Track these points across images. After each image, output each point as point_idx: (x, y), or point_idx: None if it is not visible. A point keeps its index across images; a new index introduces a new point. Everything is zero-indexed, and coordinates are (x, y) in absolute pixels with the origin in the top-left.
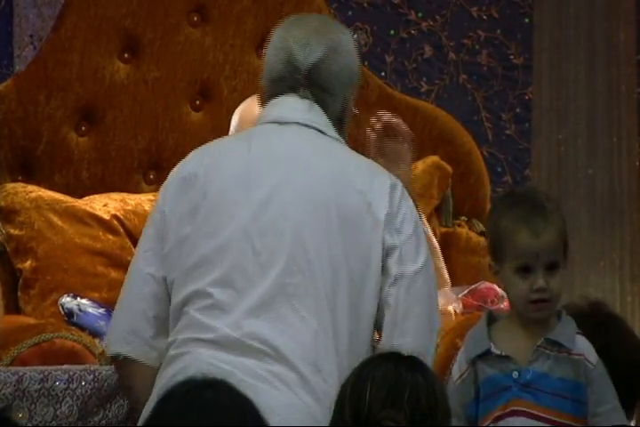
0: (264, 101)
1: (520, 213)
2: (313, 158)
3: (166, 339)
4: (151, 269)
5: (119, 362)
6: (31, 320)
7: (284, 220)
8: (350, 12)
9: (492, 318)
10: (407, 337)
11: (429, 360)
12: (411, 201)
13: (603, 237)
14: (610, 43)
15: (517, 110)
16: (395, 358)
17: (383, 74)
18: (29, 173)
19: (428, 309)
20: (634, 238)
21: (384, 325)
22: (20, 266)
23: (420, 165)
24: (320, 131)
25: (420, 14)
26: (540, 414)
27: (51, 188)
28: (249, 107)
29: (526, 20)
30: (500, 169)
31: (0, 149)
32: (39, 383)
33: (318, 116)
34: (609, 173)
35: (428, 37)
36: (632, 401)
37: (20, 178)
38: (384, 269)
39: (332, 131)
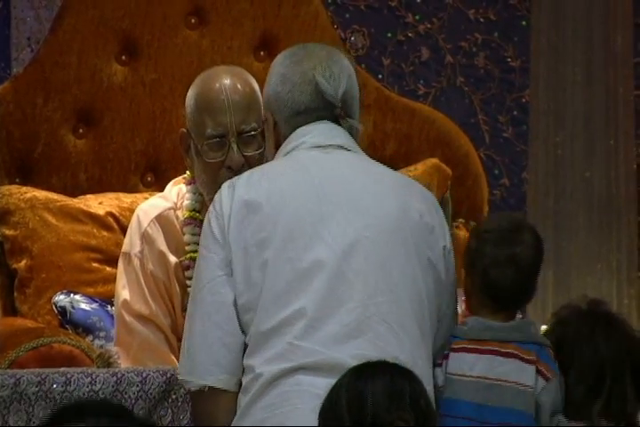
0: (282, 135)
1: None
2: (370, 180)
3: (241, 362)
4: (222, 297)
5: (202, 393)
6: (29, 323)
7: (365, 243)
8: (347, 15)
9: None
10: None
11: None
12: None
13: (600, 240)
14: (607, 45)
15: (514, 113)
16: (387, 367)
17: (380, 76)
18: (27, 176)
19: None
20: (631, 241)
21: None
22: (15, 266)
23: (420, 167)
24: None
25: (417, 17)
26: None
27: (48, 190)
28: (202, 91)
29: (523, 23)
30: (497, 171)
31: None
32: (36, 386)
33: (351, 141)
34: (606, 176)
35: (425, 40)
36: None
37: (17, 180)
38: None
39: (363, 153)
